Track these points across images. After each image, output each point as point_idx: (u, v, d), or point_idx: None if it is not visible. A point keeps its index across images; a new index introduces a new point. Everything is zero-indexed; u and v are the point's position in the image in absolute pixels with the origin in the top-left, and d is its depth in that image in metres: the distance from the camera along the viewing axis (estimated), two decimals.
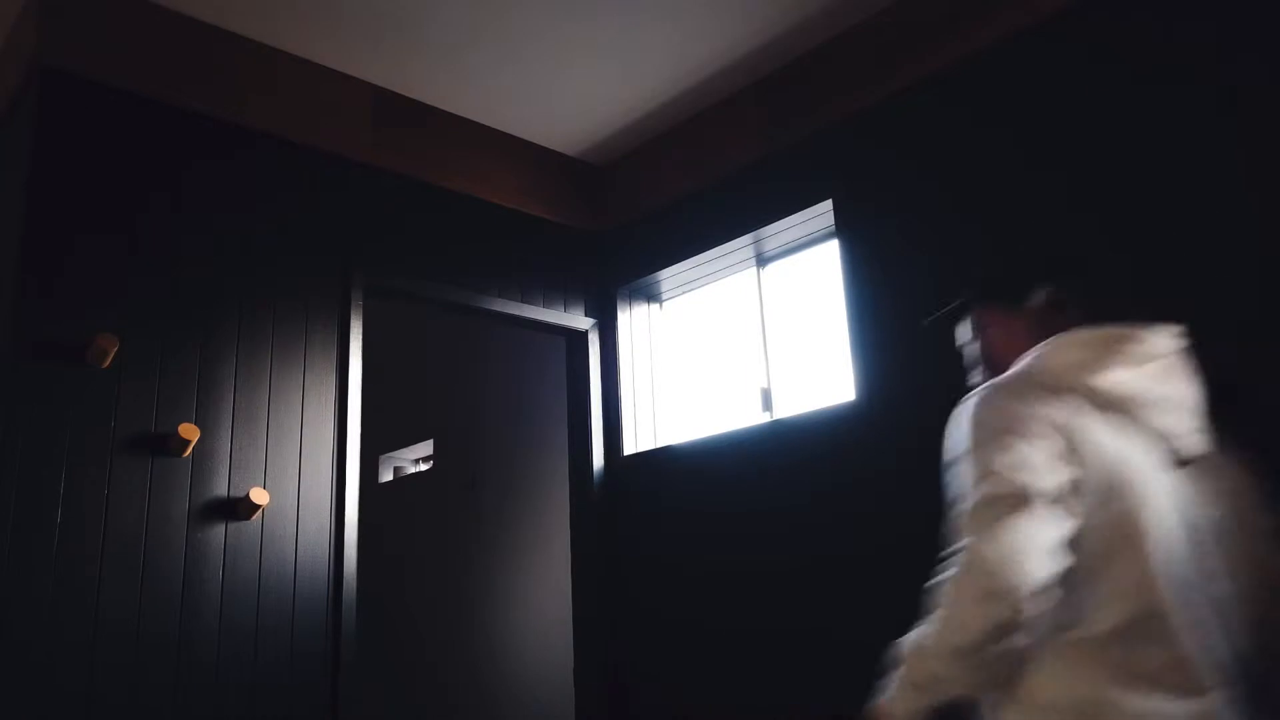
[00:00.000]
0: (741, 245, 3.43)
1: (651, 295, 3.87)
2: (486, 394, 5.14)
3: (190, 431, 2.59)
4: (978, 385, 1.53)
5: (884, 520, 2.74)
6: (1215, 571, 1.46)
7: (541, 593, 4.52)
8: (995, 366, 1.62)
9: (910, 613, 2.61)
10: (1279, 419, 1.96)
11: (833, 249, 3.15)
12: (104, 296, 2.61)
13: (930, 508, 2.64)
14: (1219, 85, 2.28)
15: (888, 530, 2.72)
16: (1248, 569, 1.50)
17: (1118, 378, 1.45)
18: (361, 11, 2.95)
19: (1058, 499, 1.37)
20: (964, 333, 1.70)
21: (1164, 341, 1.51)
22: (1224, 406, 1.55)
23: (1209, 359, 1.59)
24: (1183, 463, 1.48)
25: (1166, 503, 1.44)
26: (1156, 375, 1.48)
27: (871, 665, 2.70)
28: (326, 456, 2.93)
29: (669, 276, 3.71)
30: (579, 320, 3.73)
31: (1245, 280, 2.19)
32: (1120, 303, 2.21)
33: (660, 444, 3.62)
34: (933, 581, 1.47)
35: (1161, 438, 1.47)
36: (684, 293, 3.80)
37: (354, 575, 2.90)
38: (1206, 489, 1.51)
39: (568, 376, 3.79)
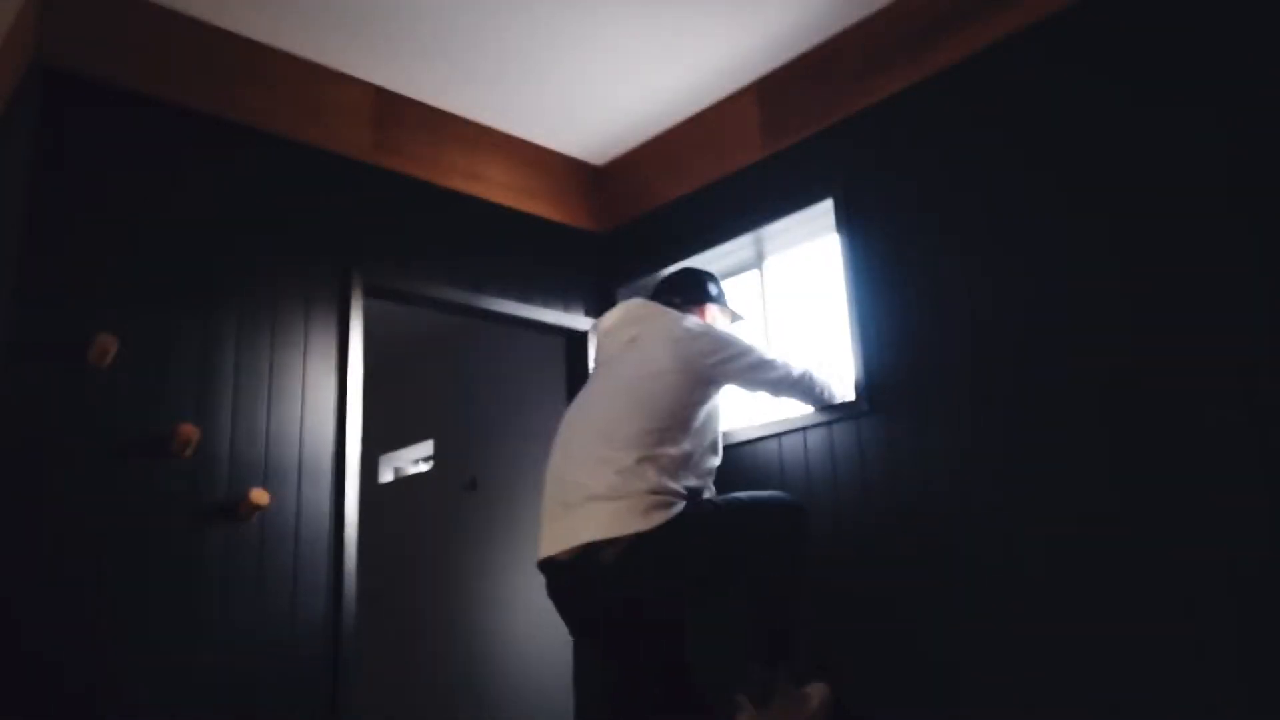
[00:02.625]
0: (742, 245, 3.43)
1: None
2: (486, 394, 5.14)
3: (190, 431, 2.59)
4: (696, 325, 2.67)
5: (883, 519, 2.74)
6: None
7: (541, 593, 4.51)
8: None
9: (908, 611, 2.61)
10: None
11: (834, 247, 3.15)
12: (104, 296, 2.61)
13: (931, 507, 2.64)
14: (1219, 86, 2.28)
15: (887, 529, 2.72)
16: None
17: None
18: (362, 11, 2.95)
19: None
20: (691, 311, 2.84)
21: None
22: None
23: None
24: None
25: None
26: None
27: (864, 660, 2.70)
28: (326, 456, 2.93)
29: None
30: (579, 320, 3.73)
31: (1243, 280, 2.19)
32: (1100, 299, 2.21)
33: None
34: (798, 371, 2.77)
35: None
36: None
37: (354, 575, 2.90)
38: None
39: (568, 376, 3.79)
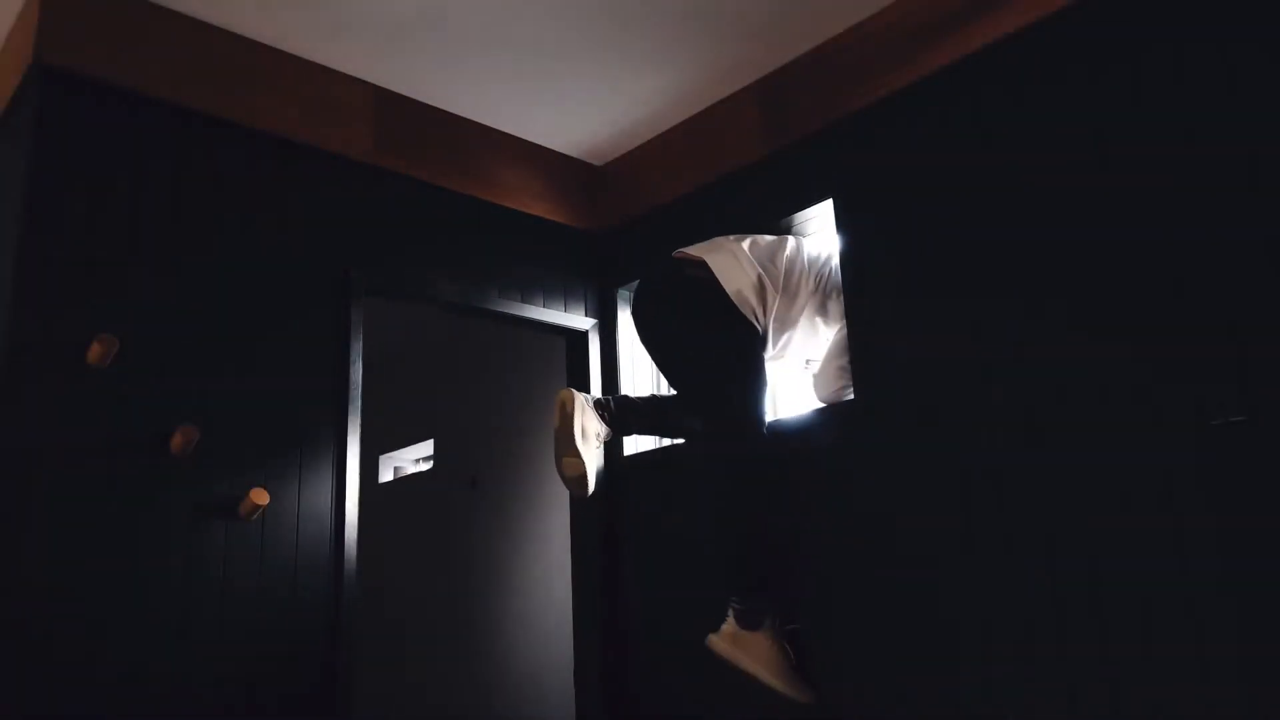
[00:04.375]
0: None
1: None
2: (486, 394, 5.15)
3: (190, 431, 2.59)
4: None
5: (886, 520, 2.74)
6: None
7: (541, 593, 4.52)
8: None
9: (909, 613, 2.61)
10: None
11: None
12: (104, 296, 2.61)
13: (932, 508, 2.64)
14: (1222, 86, 2.28)
15: (890, 531, 2.72)
16: None
17: None
18: (363, 12, 2.95)
19: None
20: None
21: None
22: None
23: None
24: None
25: None
26: None
27: (869, 658, 2.70)
28: (326, 456, 2.93)
29: None
30: (579, 320, 3.73)
31: (1251, 275, 2.19)
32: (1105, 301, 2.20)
33: (660, 444, 3.62)
34: None
35: None
36: None
37: (354, 576, 2.90)
38: None
39: (568, 376, 3.79)
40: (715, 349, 2.92)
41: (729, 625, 2.78)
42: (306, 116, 3.12)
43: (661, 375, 3.30)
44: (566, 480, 2.97)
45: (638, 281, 3.26)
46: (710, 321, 2.92)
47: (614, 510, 3.58)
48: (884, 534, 2.73)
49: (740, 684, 2.80)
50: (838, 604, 2.80)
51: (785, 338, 3.03)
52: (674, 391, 3.13)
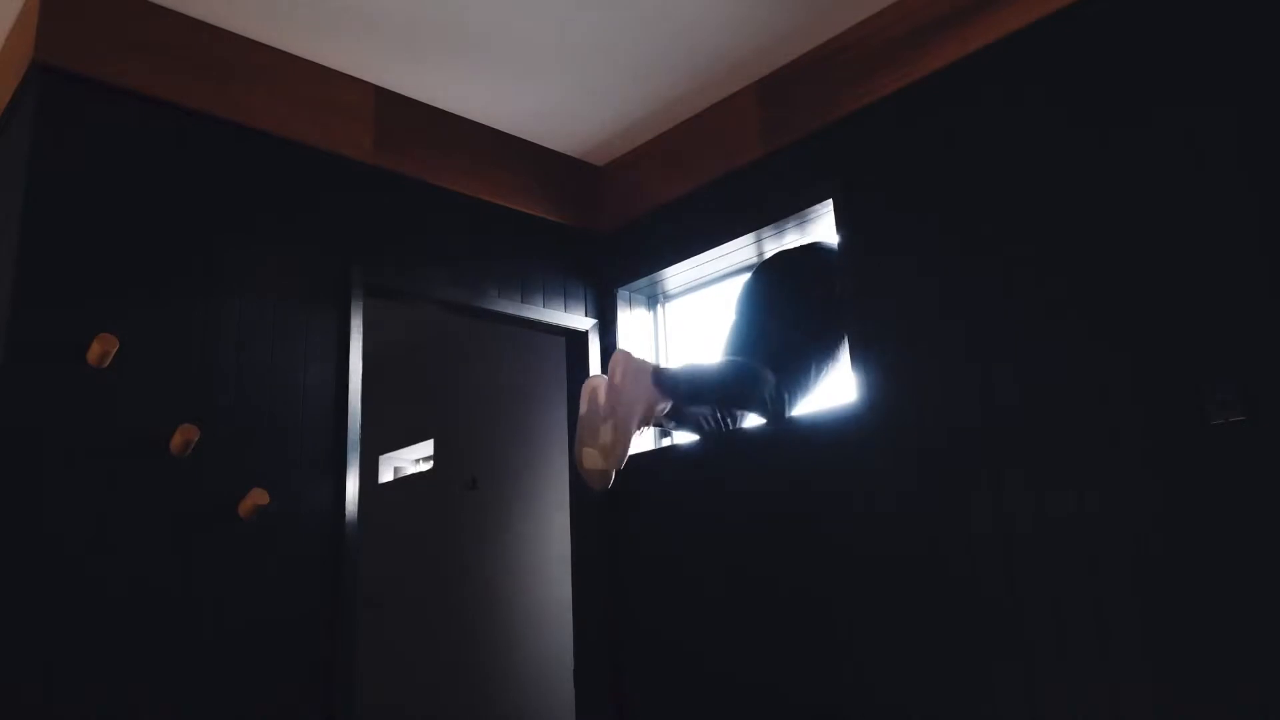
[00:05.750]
0: (742, 245, 3.43)
1: (652, 295, 3.87)
2: (486, 394, 5.15)
3: (190, 431, 2.59)
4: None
5: (884, 521, 2.74)
6: None
7: (542, 593, 4.52)
8: None
9: (909, 611, 2.62)
10: None
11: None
12: (104, 296, 2.61)
13: (932, 509, 2.64)
14: (1229, 86, 2.28)
15: (889, 532, 2.72)
16: None
17: None
18: (362, 11, 2.95)
19: None
20: None
21: None
22: None
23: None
24: None
25: None
26: None
27: (868, 657, 2.70)
28: (326, 456, 2.93)
29: (669, 276, 3.71)
30: (579, 320, 3.73)
31: (1252, 275, 2.19)
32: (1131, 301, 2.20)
33: (661, 444, 3.62)
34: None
35: None
36: (685, 293, 3.81)
37: (354, 576, 2.90)
38: None
39: (568, 376, 3.79)
40: (832, 328, 3.10)
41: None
42: (307, 116, 3.12)
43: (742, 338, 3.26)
44: (585, 474, 2.95)
45: (783, 252, 3.33)
46: (837, 309, 3.10)
47: (615, 510, 3.58)
48: (883, 532, 2.73)
49: (740, 685, 2.80)
50: (835, 596, 2.81)
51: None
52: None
